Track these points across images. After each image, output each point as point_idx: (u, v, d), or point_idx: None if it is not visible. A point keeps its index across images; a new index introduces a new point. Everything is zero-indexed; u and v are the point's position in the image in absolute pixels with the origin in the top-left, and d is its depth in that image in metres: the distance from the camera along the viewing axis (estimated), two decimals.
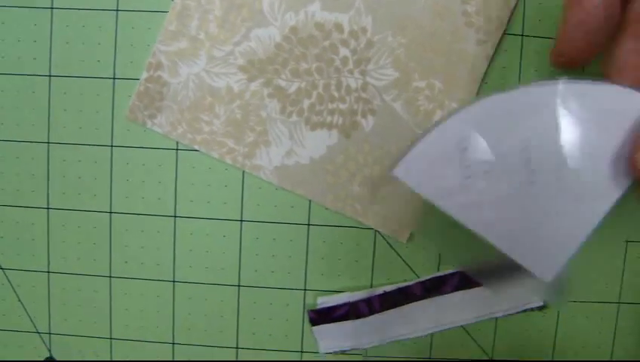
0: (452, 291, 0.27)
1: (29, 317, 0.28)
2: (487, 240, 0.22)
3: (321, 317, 0.27)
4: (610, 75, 0.22)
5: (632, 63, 0.21)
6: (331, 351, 0.27)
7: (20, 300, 0.28)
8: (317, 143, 0.26)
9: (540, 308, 0.27)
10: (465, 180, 0.21)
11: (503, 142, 0.21)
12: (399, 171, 0.22)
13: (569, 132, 0.21)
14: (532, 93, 0.21)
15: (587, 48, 0.22)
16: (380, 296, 0.27)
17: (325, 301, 0.27)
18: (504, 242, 0.22)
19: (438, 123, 0.21)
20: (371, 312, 0.27)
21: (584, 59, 0.23)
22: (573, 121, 0.21)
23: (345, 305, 0.27)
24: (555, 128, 0.21)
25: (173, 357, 0.28)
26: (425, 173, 0.22)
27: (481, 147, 0.21)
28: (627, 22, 0.21)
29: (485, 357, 0.27)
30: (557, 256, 0.22)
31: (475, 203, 0.22)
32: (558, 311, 0.27)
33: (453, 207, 0.22)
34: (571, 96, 0.21)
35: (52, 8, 0.26)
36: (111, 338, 0.28)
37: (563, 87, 0.21)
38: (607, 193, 0.21)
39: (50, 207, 0.27)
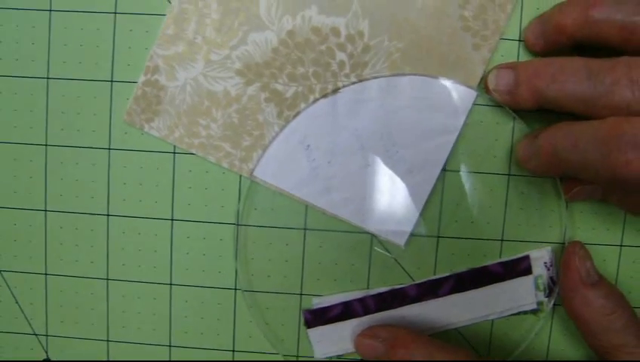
0: (447, 294, 0.27)
1: (26, 318, 0.28)
2: (343, 219, 0.26)
3: (316, 317, 0.27)
4: None
5: None
6: (328, 356, 0.27)
7: (17, 302, 0.28)
8: None
9: (534, 311, 0.27)
10: (313, 171, 0.26)
11: (338, 134, 0.26)
12: (258, 172, 0.26)
13: (390, 118, 0.26)
14: (356, 89, 0.26)
15: None
16: (374, 296, 0.27)
17: (320, 301, 0.27)
18: (357, 217, 0.26)
19: (284, 126, 0.26)
20: (366, 313, 0.27)
21: None
22: (393, 109, 0.26)
23: (339, 304, 0.27)
24: (379, 117, 0.26)
25: (170, 360, 0.28)
26: (279, 170, 0.26)
27: (321, 142, 0.26)
28: None
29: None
30: (404, 222, 0.26)
31: (324, 189, 0.26)
32: (553, 314, 0.27)
33: (307, 195, 0.26)
34: (389, 88, 0.26)
35: (50, 10, 0.26)
36: (108, 341, 0.28)
37: (381, 81, 0.26)
38: (433, 163, 0.26)
39: (47, 209, 0.27)
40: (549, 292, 0.26)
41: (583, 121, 0.22)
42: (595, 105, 0.22)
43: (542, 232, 0.27)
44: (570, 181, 0.26)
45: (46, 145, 0.27)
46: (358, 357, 0.27)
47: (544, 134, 0.24)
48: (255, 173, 0.26)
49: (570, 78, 0.22)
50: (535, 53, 0.26)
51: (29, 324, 0.28)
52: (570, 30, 0.23)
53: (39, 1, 0.26)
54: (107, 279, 0.28)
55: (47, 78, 0.27)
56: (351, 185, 0.26)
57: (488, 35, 0.26)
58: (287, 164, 0.26)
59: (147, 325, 0.28)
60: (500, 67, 0.25)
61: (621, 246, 0.27)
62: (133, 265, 0.27)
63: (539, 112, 0.26)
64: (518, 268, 0.26)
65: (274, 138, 0.26)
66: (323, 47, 0.26)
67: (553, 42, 0.24)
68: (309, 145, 0.26)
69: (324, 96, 0.26)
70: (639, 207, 0.25)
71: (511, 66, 0.25)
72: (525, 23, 0.26)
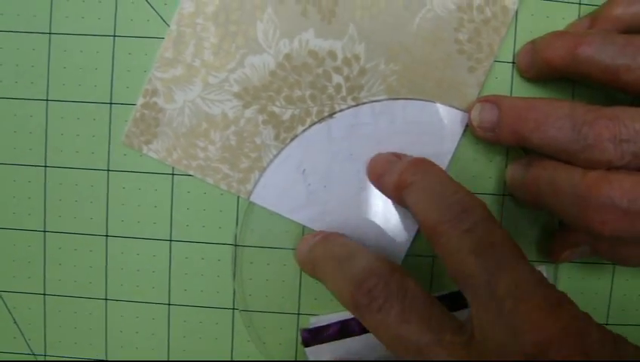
0: None
1: (25, 339, 0.28)
2: None
3: (313, 336, 0.27)
4: None
5: None
6: None
7: (15, 322, 0.28)
8: None
9: None
10: (310, 195, 0.26)
11: (334, 159, 0.26)
12: (255, 197, 0.26)
13: (384, 142, 0.26)
14: (351, 114, 0.26)
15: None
16: None
17: (318, 320, 0.27)
18: (356, 240, 0.26)
19: (281, 149, 0.26)
20: (363, 331, 0.27)
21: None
22: (387, 133, 0.26)
23: (337, 323, 0.27)
24: (373, 141, 0.26)
25: (168, 360, 0.28)
26: (276, 195, 0.26)
27: (316, 167, 0.26)
28: None
29: None
30: (399, 244, 0.27)
31: (322, 212, 0.26)
32: None
33: (305, 219, 0.27)
34: (383, 113, 0.26)
35: (50, 33, 0.27)
36: (106, 361, 0.28)
37: (375, 106, 0.26)
38: None
39: (46, 230, 0.28)
40: None
41: (566, 168, 0.22)
42: (576, 158, 0.22)
43: (536, 251, 0.27)
44: (557, 246, 0.26)
45: (45, 166, 0.27)
46: None
47: (530, 173, 0.24)
48: (252, 199, 0.27)
49: (554, 127, 0.22)
50: (527, 79, 0.26)
51: (28, 345, 0.28)
52: (558, 66, 0.23)
53: (39, 25, 0.27)
54: (106, 299, 0.28)
55: (47, 100, 0.27)
56: (347, 209, 0.26)
57: (483, 58, 0.26)
58: (283, 189, 0.26)
59: (146, 345, 0.28)
60: (483, 101, 0.25)
61: (614, 264, 0.27)
62: (131, 286, 0.28)
63: None
64: None
65: (269, 163, 0.26)
66: (320, 71, 0.26)
67: (543, 74, 0.25)
68: (304, 170, 0.26)
69: (320, 120, 0.26)
70: (629, 259, 0.24)
71: (494, 101, 0.24)
72: (519, 45, 0.26)
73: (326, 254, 0.23)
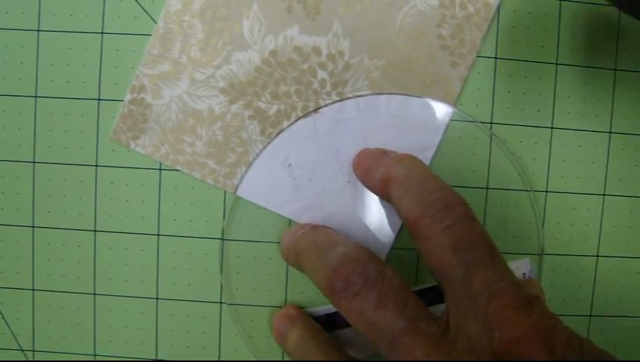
0: (429, 305, 0.27)
1: (13, 334, 0.28)
2: None
3: None
4: None
5: None
6: None
7: (3, 318, 0.28)
8: None
9: None
10: (295, 189, 0.27)
11: (319, 153, 0.26)
12: (242, 191, 0.27)
13: (369, 137, 0.26)
14: (335, 109, 0.26)
15: None
16: None
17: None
18: (341, 233, 0.26)
19: (266, 144, 0.26)
20: (349, 324, 0.27)
21: None
22: (371, 127, 0.26)
23: (323, 316, 0.27)
24: (358, 136, 0.26)
25: (158, 359, 0.28)
26: (263, 189, 0.27)
27: (302, 161, 0.26)
28: None
29: None
30: (384, 237, 0.27)
31: (306, 207, 0.27)
32: None
33: (291, 212, 0.27)
34: (367, 107, 0.26)
35: (39, 30, 0.27)
36: (95, 355, 0.28)
37: (359, 101, 0.26)
38: None
39: (35, 225, 0.28)
40: None
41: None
42: None
43: (520, 244, 0.27)
44: None
45: (34, 162, 0.27)
46: None
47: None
48: (238, 193, 0.27)
49: None
50: (510, 74, 0.26)
51: (16, 340, 0.28)
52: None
53: (28, 22, 0.27)
54: (94, 294, 0.28)
55: (35, 97, 0.27)
56: (332, 203, 0.27)
57: (465, 53, 0.27)
58: (269, 183, 0.27)
59: (134, 339, 0.28)
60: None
61: (597, 256, 0.28)
62: (119, 280, 0.28)
63: (516, 127, 0.27)
64: None
65: (255, 158, 0.27)
66: (305, 66, 0.27)
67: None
68: (290, 164, 0.26)
69: (305, 115, 0.26)
70: None
71: None
72: (501, 40, 0.27)
73: (309, 243, 0.24)
